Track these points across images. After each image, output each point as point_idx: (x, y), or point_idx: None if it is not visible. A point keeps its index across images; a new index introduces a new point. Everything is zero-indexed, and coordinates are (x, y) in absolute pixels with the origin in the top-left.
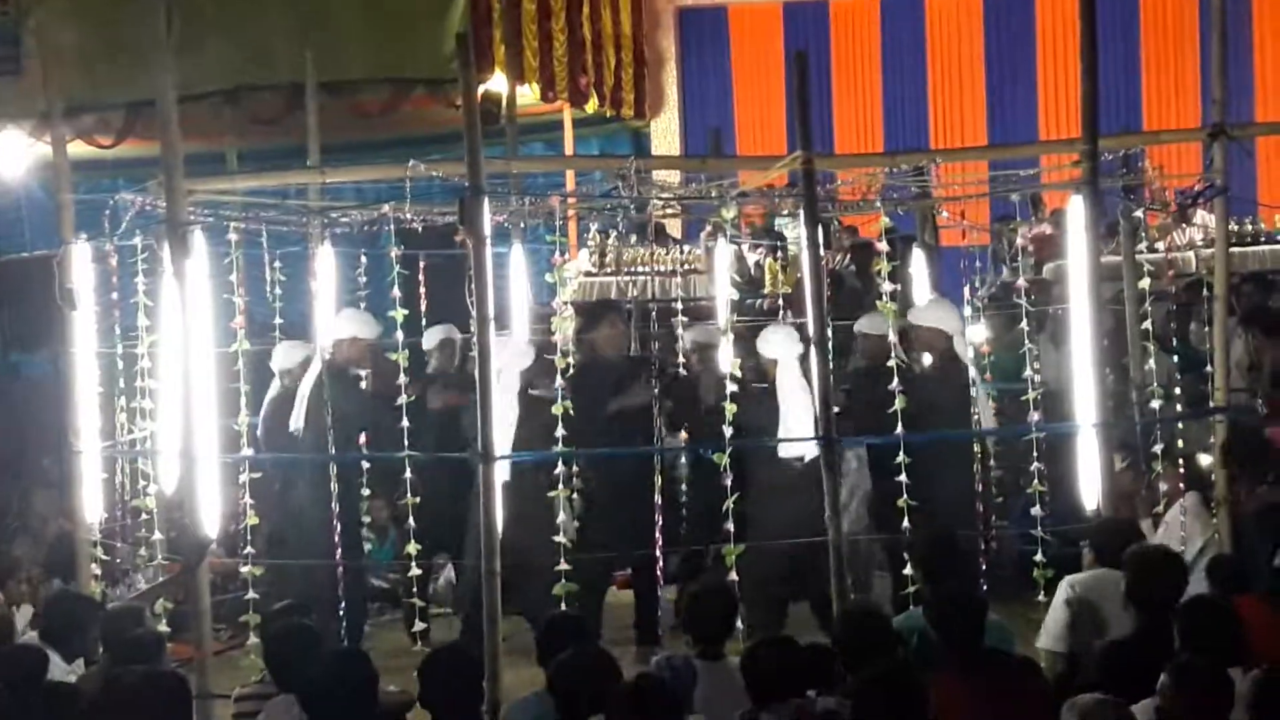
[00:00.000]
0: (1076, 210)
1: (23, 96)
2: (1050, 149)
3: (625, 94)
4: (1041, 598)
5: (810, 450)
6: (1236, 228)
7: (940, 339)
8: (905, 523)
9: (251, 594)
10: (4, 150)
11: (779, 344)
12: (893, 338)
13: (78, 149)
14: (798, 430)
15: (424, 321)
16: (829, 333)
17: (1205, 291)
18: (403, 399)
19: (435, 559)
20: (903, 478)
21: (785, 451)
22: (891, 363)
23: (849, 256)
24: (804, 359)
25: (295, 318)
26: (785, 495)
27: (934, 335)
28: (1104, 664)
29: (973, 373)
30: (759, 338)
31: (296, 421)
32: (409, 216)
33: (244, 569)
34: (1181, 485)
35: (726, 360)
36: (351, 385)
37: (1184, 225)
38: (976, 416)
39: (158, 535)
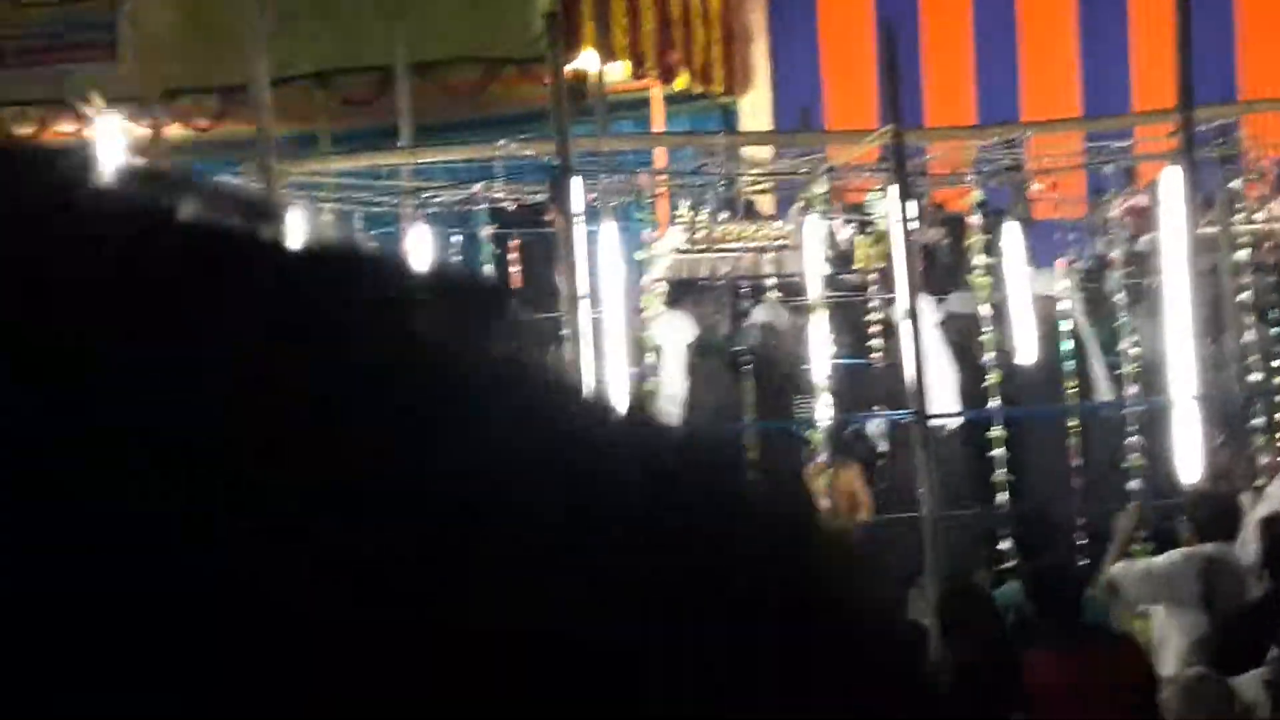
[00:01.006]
0: (1172, 182)
1: (119, 81)
2: (1145, 120)
3: (714, 70)
4: None
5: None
6: None
7: (1050, 307)
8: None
9: None
10: (102, 134)
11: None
12: (985, 312)
13: (174, 132)
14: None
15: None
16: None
17: None
18: None
19: None
20: (999, 452)
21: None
22: (983, 338)
23: (941, 231)
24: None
25: None
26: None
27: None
28: (1221, 635)
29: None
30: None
31: None
32: (500, 196)
33: None
34: None
35: (819, 334)
36: None
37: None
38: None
39: None
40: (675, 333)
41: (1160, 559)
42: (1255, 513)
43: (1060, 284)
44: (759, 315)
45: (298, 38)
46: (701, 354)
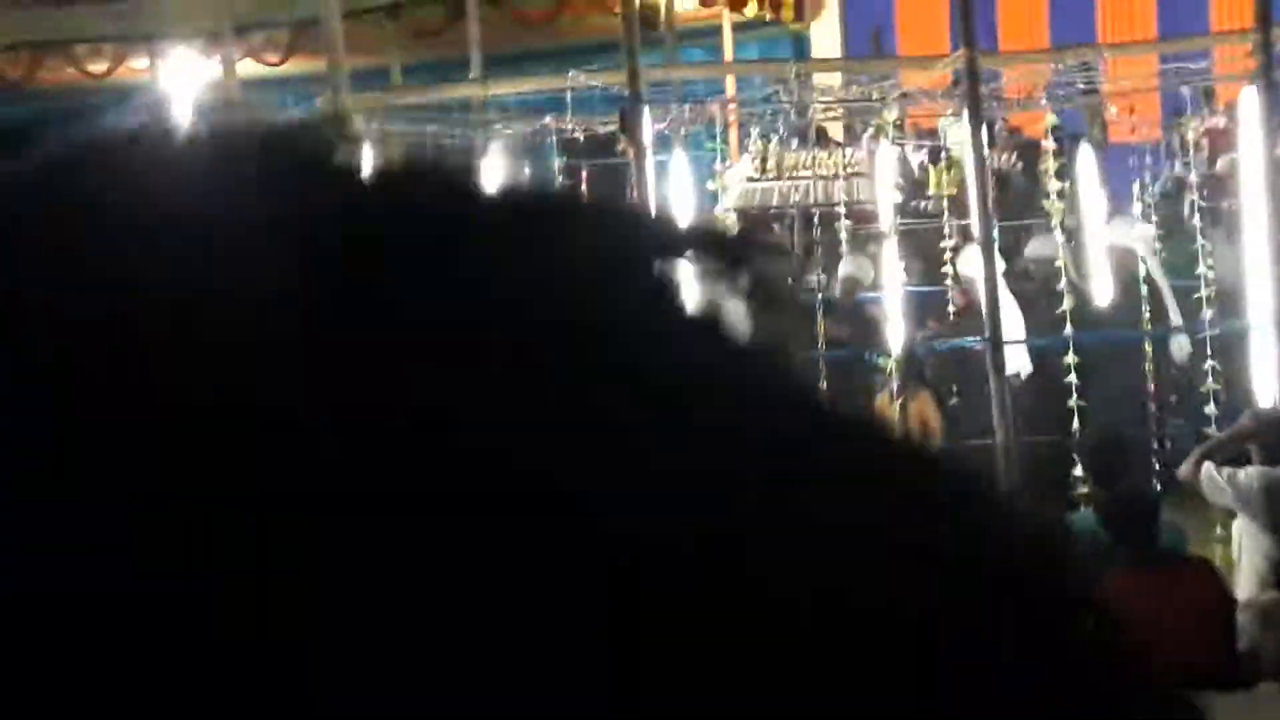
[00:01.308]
0: (1250, 103)
1: (190, 17)
2: (1222, 40)
3: None
4: None
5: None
6: None
7: (1128, 259)
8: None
9: None
10: (174, 69)
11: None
12: (1064, 256)
13: (246, 67)
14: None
15: None
16: (996, 234)
17: None
18: None
19: None
20: (1072, 378)
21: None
22: (1063, 284)
23: (1015, 156)
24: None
25: None
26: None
27: (1122, 255)
28: None
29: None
30: (959, 258)
31: None
32: (571, 127)
33: None
34: None
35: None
36: None
37: None
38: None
39: None
40: None
41: (1242, 473)
42: None
43: (1137, 230)
44: (844, 268)
45: None
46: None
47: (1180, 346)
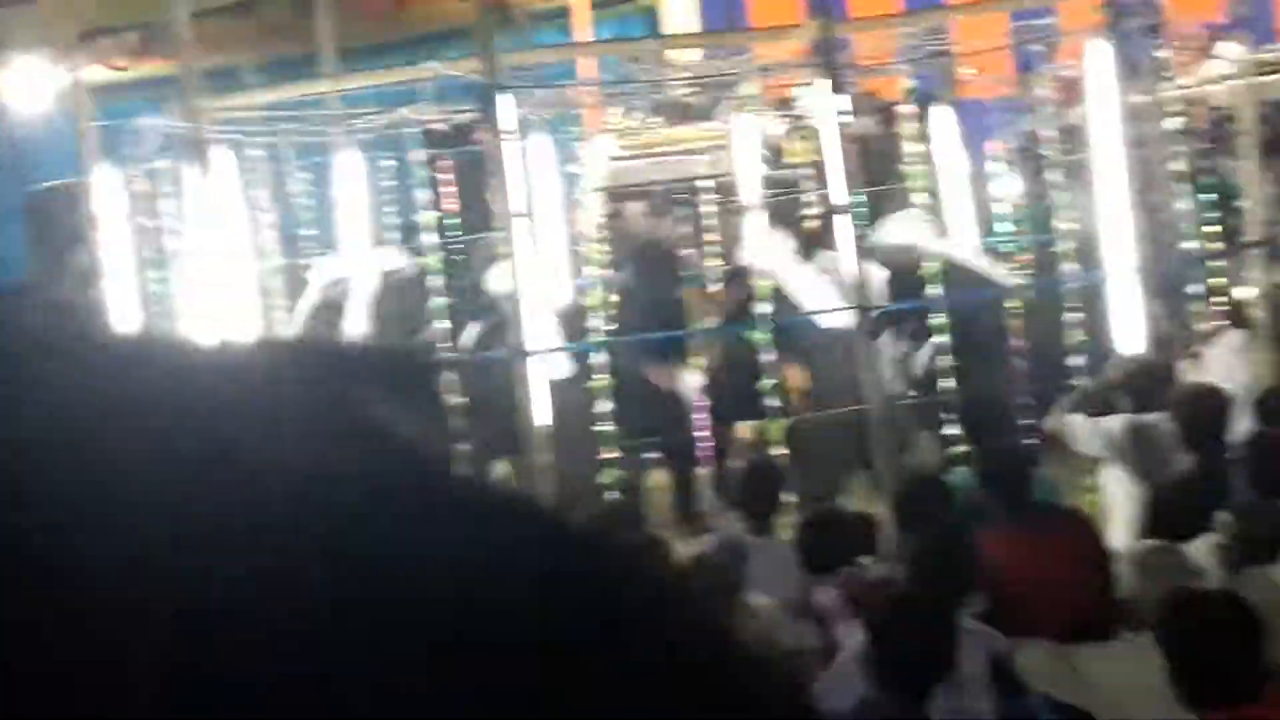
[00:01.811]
0: (1099, 55)
1: (37, 24)
2: None
3: None
4: None
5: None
6: (1259, 57)
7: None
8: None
9: None
10: (23, 80)
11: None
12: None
13: (96, 74)
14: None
15: (460, 222)
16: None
17: (1233, 125)
18: None
19: None
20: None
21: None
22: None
23: (873, 120)
24: None
25: (324, 228)
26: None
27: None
28: (1157, 507)
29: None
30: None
31: None
32: (430, 118)
33: None
34: (1222, 322)
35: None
36: None
37: (1207, 59)
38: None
39: None
40: None
41: (1107, 420)
42: (1193, 379)
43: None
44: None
45: None
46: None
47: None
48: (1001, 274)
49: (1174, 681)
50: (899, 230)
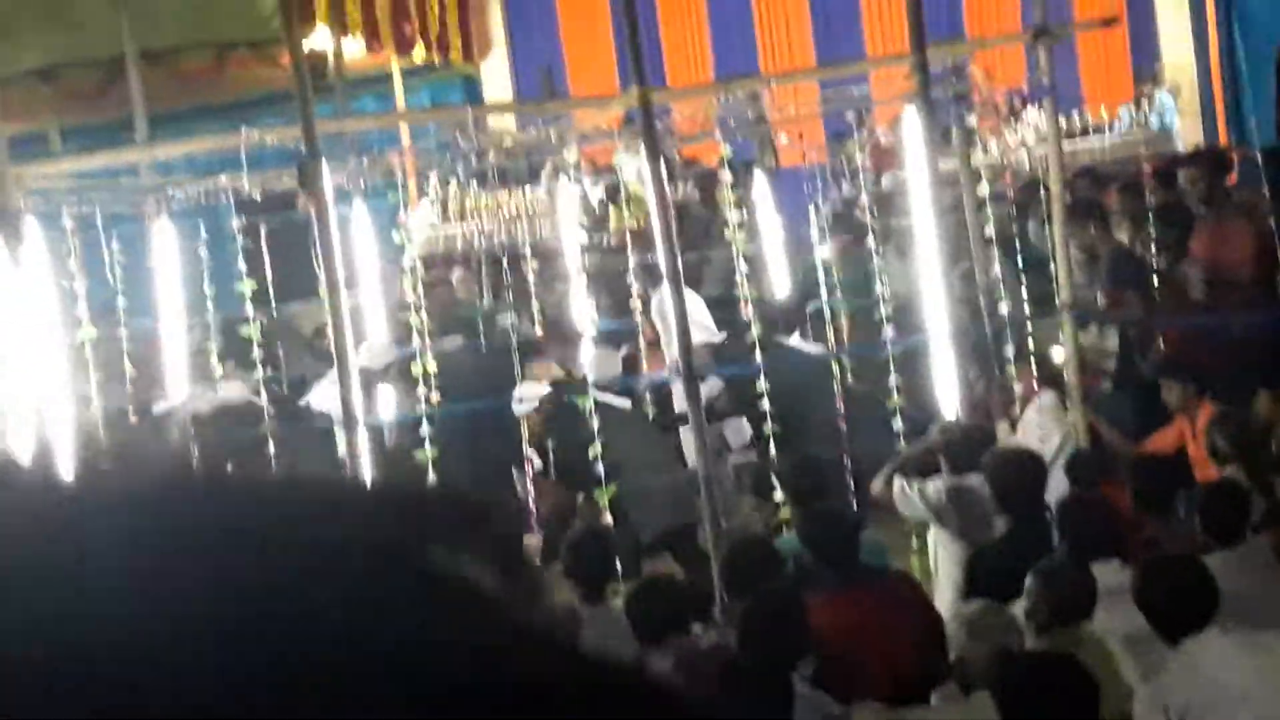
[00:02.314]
0: (911, 123)
1: None
2: (881, 63)
3: (451, 38)
4: None
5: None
6: (1065, 123)
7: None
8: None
9: None
10: None
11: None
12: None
13: None
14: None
15: (271, 291)
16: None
17: (1041, 190)
18: None
19: None
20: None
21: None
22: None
23: (692, 186)
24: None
25: (138, 298)
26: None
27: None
28: (976, 569)
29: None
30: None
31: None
32: (246, 185)
33: None
34: (1035, 385)
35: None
36: None
37: (1015, 126)
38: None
39: None
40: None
41: (931, 485)
42: (1012, 442)
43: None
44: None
45: (19, 33)
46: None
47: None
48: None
49: None
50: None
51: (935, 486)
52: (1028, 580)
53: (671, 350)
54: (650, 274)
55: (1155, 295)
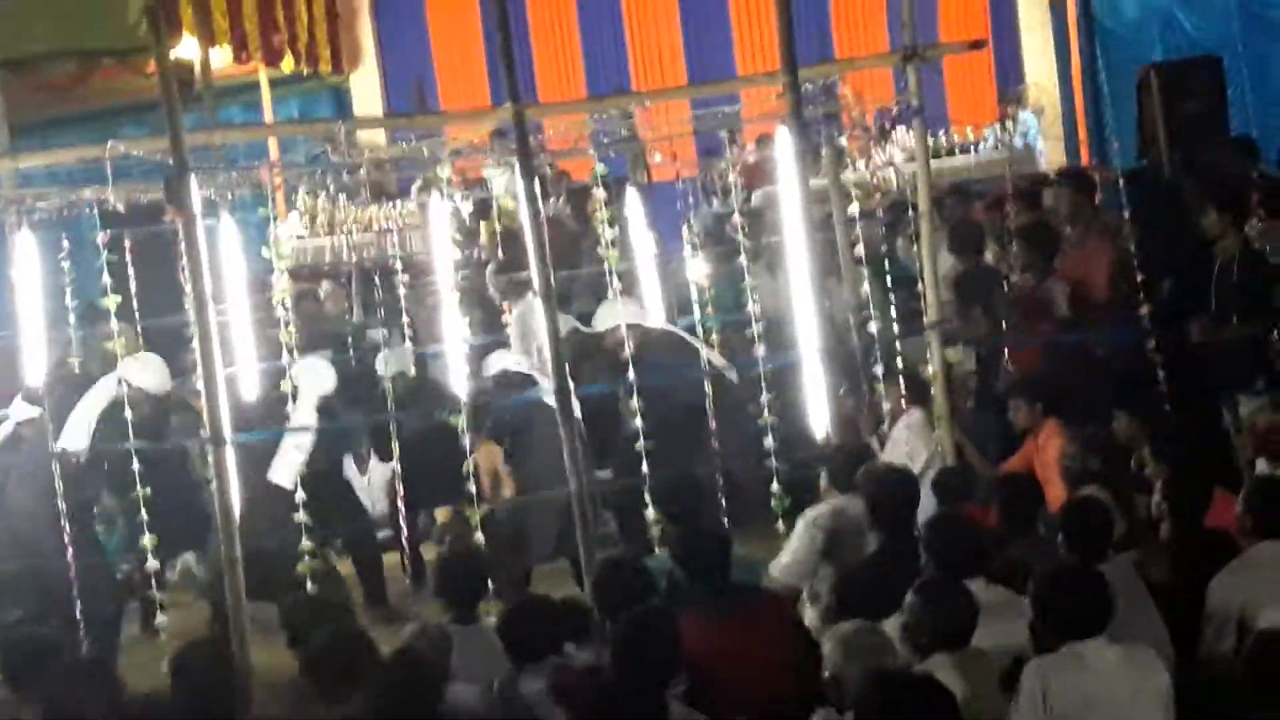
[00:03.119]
0: (783, 142)
1: None
2: (752, 83)
3: (320, 49)
4: (780, 526)
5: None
6: (932, 142)
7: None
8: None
9: None
10: None
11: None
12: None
13: None
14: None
15: (135, 304)
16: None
17: (910, 210)
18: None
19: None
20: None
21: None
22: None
23: (564, 200)
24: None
25: None
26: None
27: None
28: (849, 587)
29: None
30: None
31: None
32: (111, 198)
33: None
34: (904, 402)
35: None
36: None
37: (884, 144)
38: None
39: None
40: (315, 378)
41: (808, 513)
42: (883, 458)
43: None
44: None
45: None
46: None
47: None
48: (715, 356)
49: None
50: (610, 315)
51: (818, 512)
52: (908, 599)
53: (530, 359)
54: (515, 288)
55: (1007, 315)
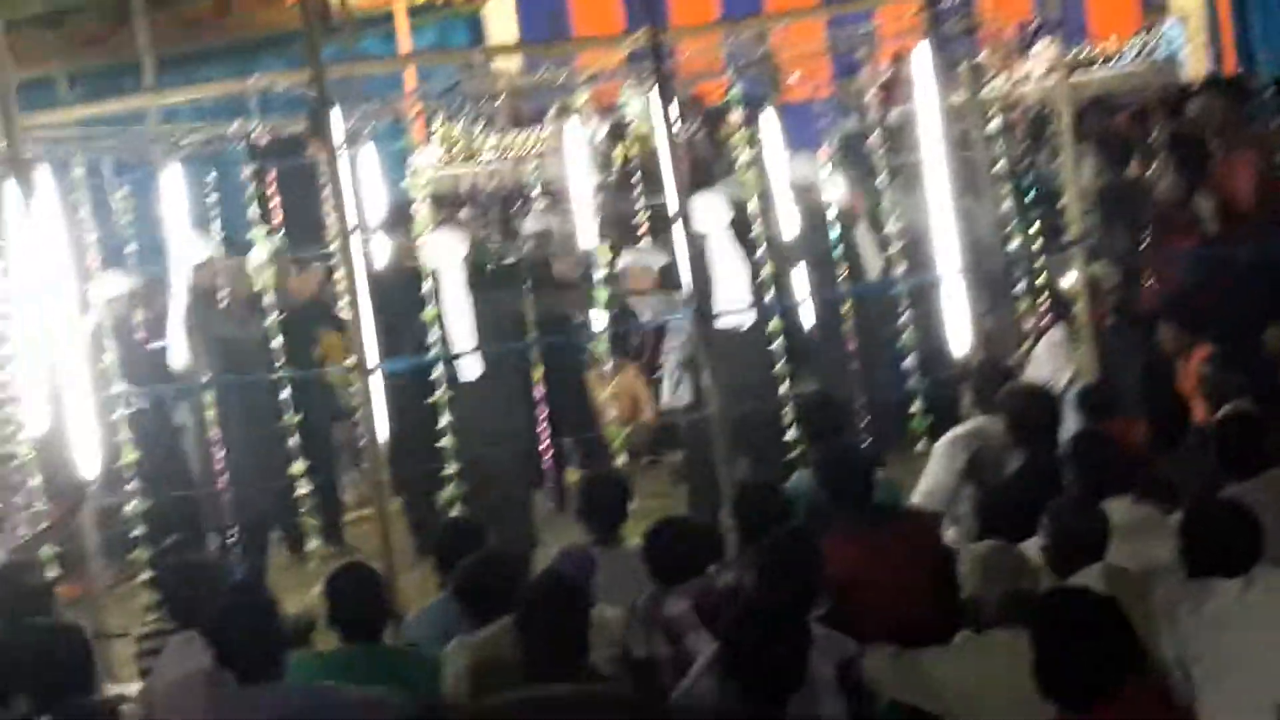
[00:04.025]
0: (920, 58)
1: None
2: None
3: None
4: (920, 447)
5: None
6: (1072, 55)
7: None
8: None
9: (138, 530)
10: None
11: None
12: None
13: None
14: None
15: (282, 235)
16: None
17: (1050, 124)
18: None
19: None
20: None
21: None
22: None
23: (699, 124)
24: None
25: (148, 244)
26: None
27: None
28: (990, 507)
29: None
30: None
31: (179, 358)
32: (253, 130)
33: (129, 505)
34: (1047, 319)
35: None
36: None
37: (1024, 59)
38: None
39: (35, 480)
40: (448, 252)
41: (948, 435)
42: (1025, 377)
43: (820, 171)
44: (530, 225)
45: None
46: (478, 270)
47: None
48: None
49: (1043, 678)
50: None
51: (957, 433)
52: (1041, 520)
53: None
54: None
55: (1152, 230)
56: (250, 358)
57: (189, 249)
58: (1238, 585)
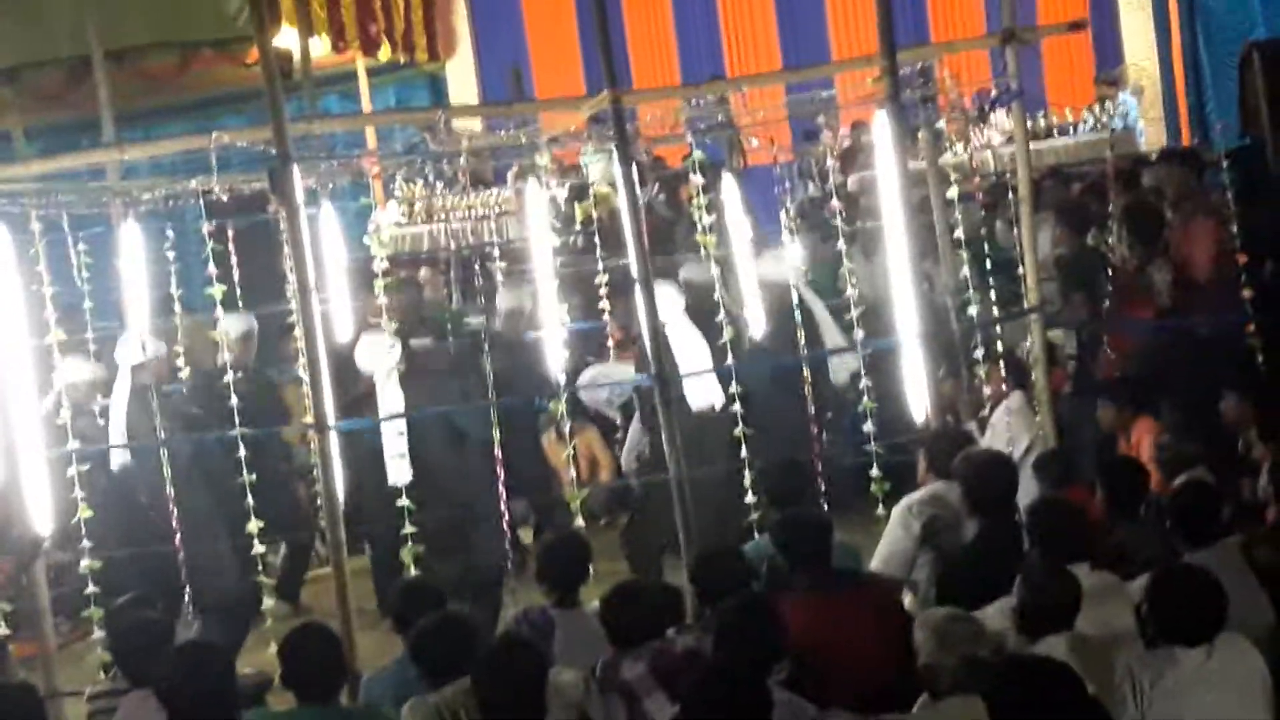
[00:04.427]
0: (881, 126)
1: None
2: (849, 67)
3: (416, 37)
4: (880, 511)
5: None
6: (1030, 124)
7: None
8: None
9: (91, 588)
10: None
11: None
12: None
13: None
14: (700, 381)
15: (239, 293)
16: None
17: (1009, 192)
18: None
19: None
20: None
21: (696, 402)
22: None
23: (658, 188)
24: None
25: (104, 300)
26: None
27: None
28: (947, 574)
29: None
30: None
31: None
32: (214, 187)
33: (83, 563)
34: (1004, 386)
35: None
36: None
37: (982, 127)
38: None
39: None
40: (380, 356)
41: (904, 501)
42: (983, 443)
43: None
44: (504, 301)
45: None
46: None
47: (842, 367)
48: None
49: None
50: (697, 270)
51: (914, 499)
52: (1018, 582)
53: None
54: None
55: (1109, 298)
56: (210, 428)
57: (125, 350)
58: (1200, 654)
